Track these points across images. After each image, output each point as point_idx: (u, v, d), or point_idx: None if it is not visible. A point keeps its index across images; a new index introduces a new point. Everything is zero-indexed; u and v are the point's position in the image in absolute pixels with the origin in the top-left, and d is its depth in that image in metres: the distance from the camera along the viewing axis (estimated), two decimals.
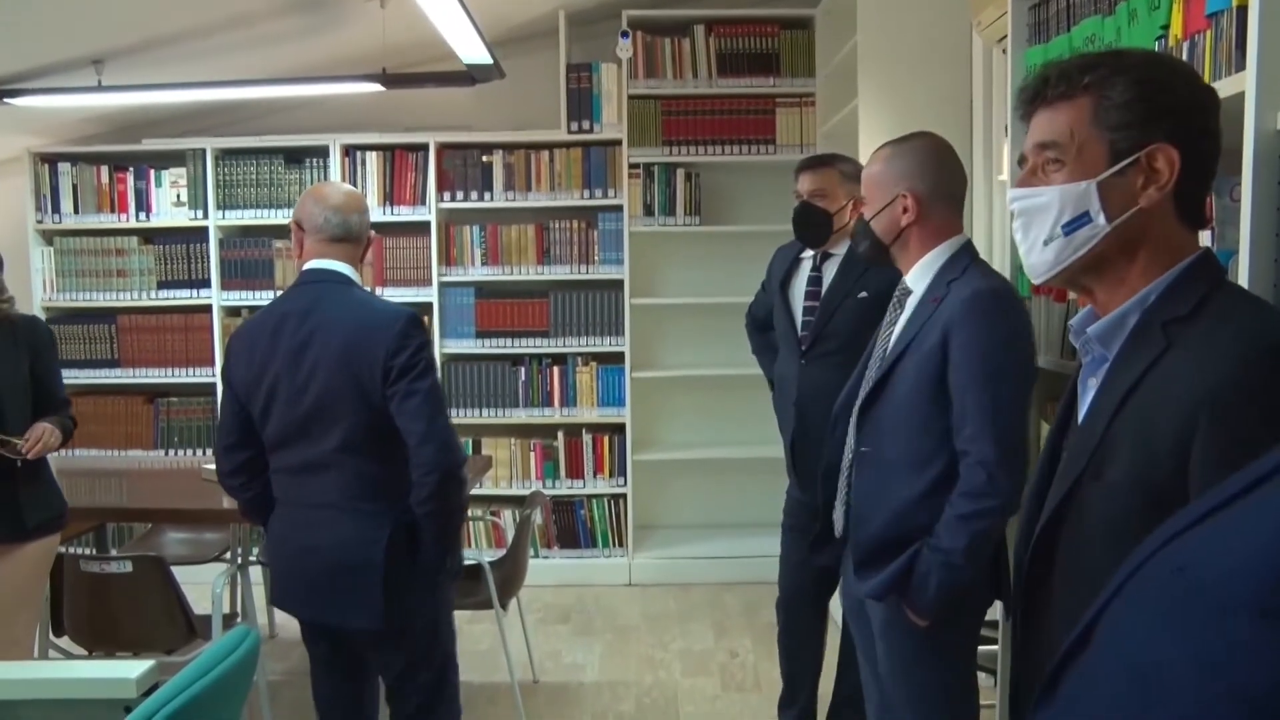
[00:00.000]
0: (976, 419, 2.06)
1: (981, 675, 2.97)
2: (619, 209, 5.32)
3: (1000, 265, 3.52)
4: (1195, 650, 0.57)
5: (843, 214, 3.05)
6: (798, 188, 3.19)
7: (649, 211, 5.37)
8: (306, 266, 2.58)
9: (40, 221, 5.51)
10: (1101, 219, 1.35)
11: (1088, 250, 1.37)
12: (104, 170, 5.50)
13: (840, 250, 3.14)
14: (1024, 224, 1.43)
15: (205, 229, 5.44)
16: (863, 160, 2.66)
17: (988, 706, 2.87)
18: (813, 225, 3.12)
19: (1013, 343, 2.12)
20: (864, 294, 2.99)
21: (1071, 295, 2.18)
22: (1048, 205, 1.39)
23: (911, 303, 2.27)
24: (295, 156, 5.43)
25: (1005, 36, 2.71)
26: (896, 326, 2.29)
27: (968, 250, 2.27)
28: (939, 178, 2.26)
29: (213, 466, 2.89)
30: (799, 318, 3.21)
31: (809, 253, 3.27)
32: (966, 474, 2.07)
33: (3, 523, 3.03)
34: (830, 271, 3.16)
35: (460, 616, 4.76)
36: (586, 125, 5.31)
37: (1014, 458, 2.05)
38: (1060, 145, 1.38)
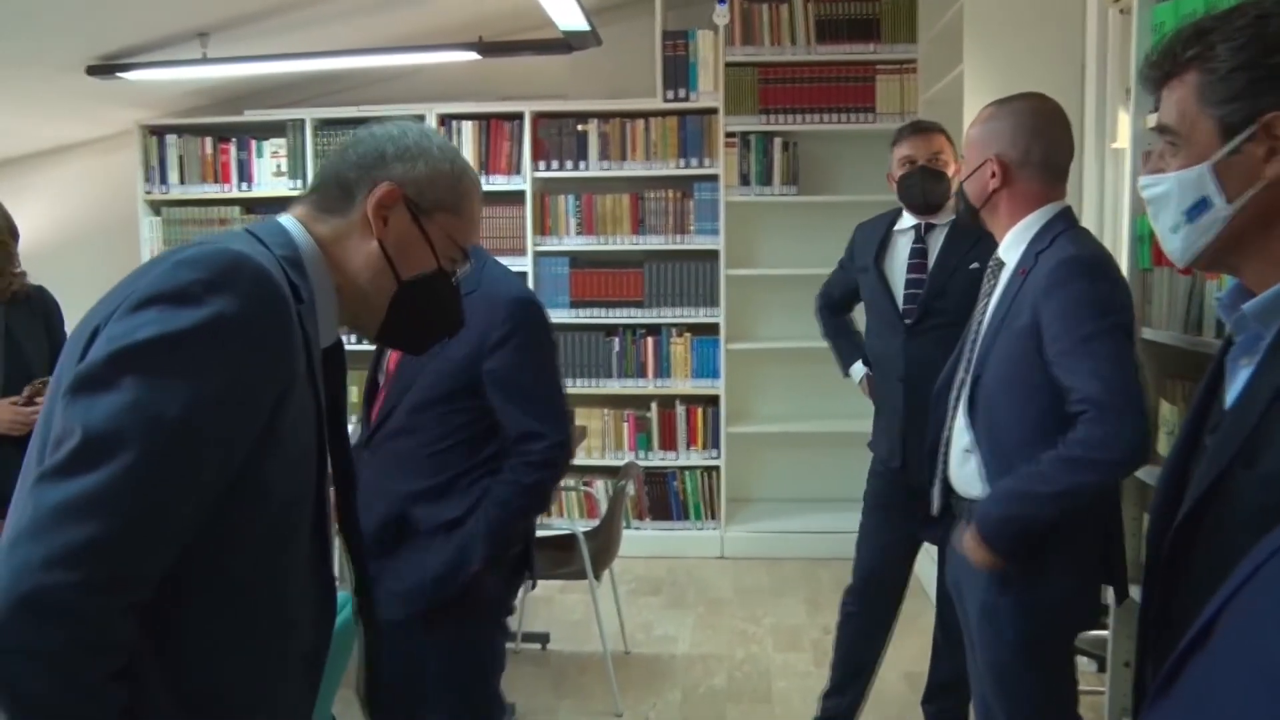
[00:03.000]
0: (1086, 381, 1.95)
1: (1083, 660, 2.88)
2: (715, 178, 5.25)
3: (1113, 238, 3.41)
4: None
5: (953, 181, 2.97)
6: (905, 153, 3.10)
7: (745, 181, 5.30)
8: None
9: (149, 192, 5.65)
10: (1221, 201, 1.27)
11: (1217, 234, 1.29)
12: (208, 141, 5.61)
13: (944, 220, 3.07)
14: (1153, 212, 1.37)
15: None
16: (964, 127, 2.56)
17: (1093, 692, 2.79)
18: (936, 190, 3.05)
19: (1104, 306, 1.99)
20: (975, 265, 2.87)
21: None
22: (1168, 194, 1.32)
23: (1004, 276, 2.19)
24: None
25: None
26: (990, 301, 2.21)
27: (1062, 218, 2.16)
28: (1036, 143, 2.15)
29: None
30: (900, 292, 3.12)
31: (903, 225, 3.17)
32: (1084, 427, 1.95)
33: None
34: (936, 243, 3.08)
35: (552, 586, 4.82)
36: (682, 93, 5.25)
37: (1135, 415, 1.93)
38: (1173, 129, 1.31)
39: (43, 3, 3.78)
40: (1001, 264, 2.21)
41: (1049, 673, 2.17)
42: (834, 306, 3.54)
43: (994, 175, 2.15)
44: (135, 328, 1.08)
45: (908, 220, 3.18)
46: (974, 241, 2.86)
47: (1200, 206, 1.28)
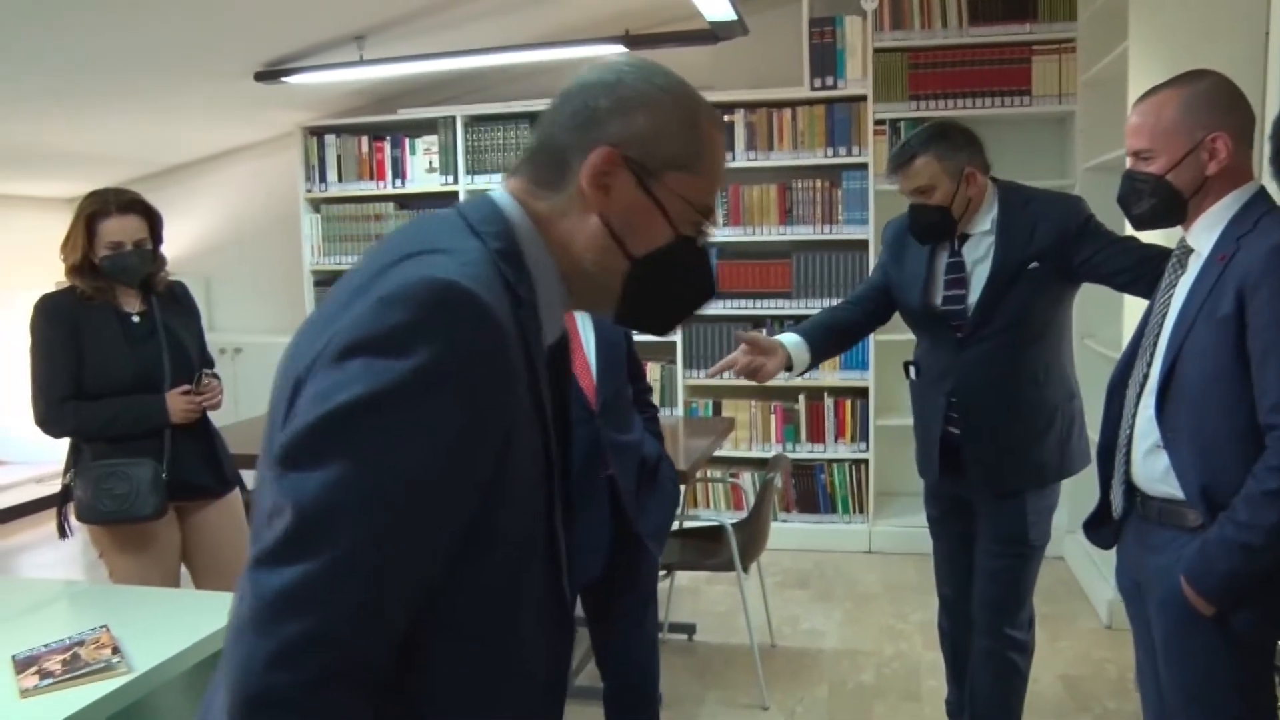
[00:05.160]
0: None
1: None
2: (864, 167, 5.17)
3: None
4: None
5: (961, 197, 2.72)
6: (899, 189, 2.83)
7: None
8: None
9: (309, 190, 5.89)
10: None
11: None
12: (364, 140, 5.81)
13: (979, 228, 2.79)
14: None
15: (456, 194, 5.66)
16: (1128, 109, 2.39)
17: None
18: (929, 228, 2.79)
19: None
20: (1035, 265, 2.70)
21: None
22: None
23: (1195, 262, 2.06)
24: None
25: None
26: (1178, 290, 2.08)
27: (1262, 199, 2.01)
28: (1243, 117, 2.02)
29: None
30: (939, 301, 2.86)
31: None
32: (1275, 446, 1.83)
33: (210, 475, 3.22)
34: (974, 253, 2.81)
35: (699, 578, 4.83)
36: (830, 81, 5.17)
37: None
38: None
39: (214, 17, 3.97)
40: (1188, 250, 2.08)
41: (1249, 691, 2.02)
42: (855, 305, 3.18)
43: (1212, 156, 1.99)
44: (340, 385, 0.95)
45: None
46: (1029, 238, 2.70)
47: None
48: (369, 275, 1.03)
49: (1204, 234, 2.03)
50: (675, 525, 4.00)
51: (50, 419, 2.99)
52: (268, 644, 0.92)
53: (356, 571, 0.94)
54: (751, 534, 3.88)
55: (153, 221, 3.07)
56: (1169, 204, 2.05)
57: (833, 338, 3.11)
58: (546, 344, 1.14)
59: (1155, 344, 2.08)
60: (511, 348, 1.03)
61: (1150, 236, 2.43)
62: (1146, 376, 2.09)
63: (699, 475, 4.70)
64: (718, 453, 4.69)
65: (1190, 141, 2.00)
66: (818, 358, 3.05)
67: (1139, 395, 2.11)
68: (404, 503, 0.96)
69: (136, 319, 3.08)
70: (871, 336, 5.12)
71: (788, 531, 5.34)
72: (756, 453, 5.43)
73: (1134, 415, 2.11)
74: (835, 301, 5.11)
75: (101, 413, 2.98)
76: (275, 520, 0.95)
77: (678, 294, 1.23)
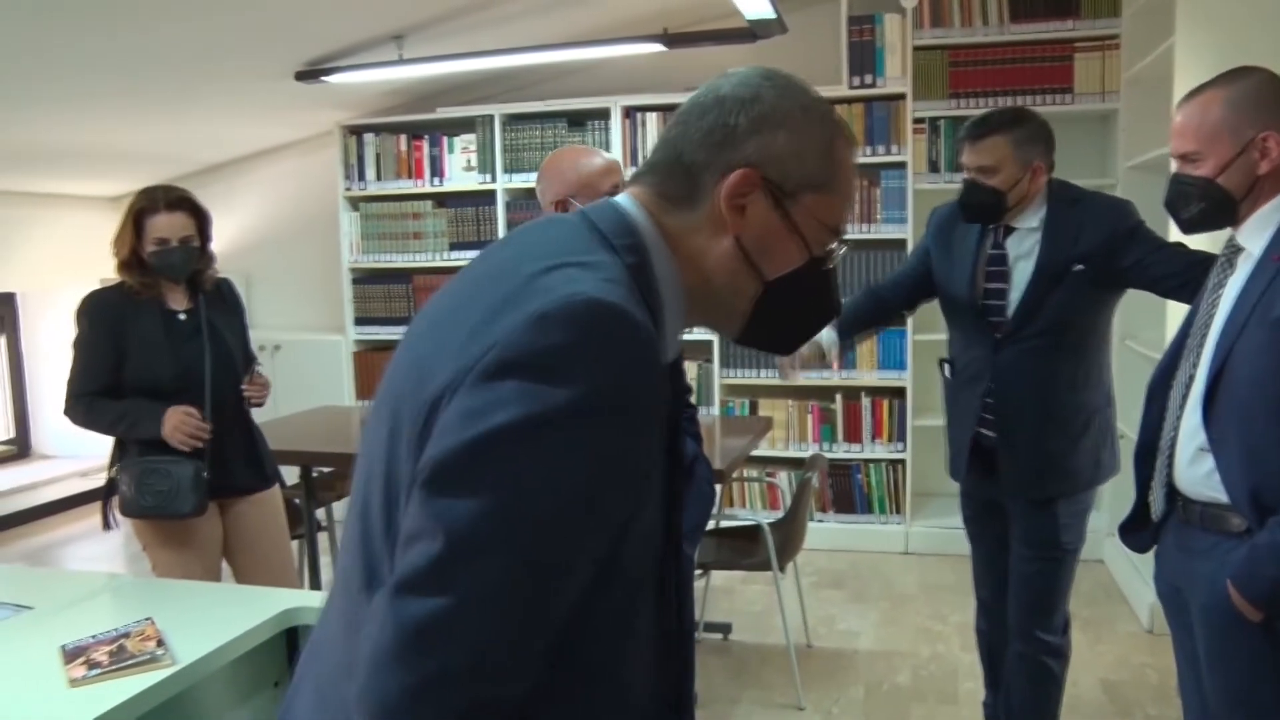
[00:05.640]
0: None
1: None
2: (902, 166, 5.14)
3: None
4: None
5: (1020, 187, 2.69)
6: (961, 160, 2.78)
7: (934, 168, 5.17)
8: None
9: (348, 189, 5.93)
10: None
11: None
12: (402, 139, 5.84)
13: (1026, 224, 2.75)
14: None
15: (493, 192, 5.67)
16: (1173, 106, 2.35)
17: None
18: (979, 208, 2.74)
19: None
20: (1080, 267, 2.66)
21: None
22: None
23: (1246, 263, 2.02)
24: (577, 120, 5.55)
25: None
26: (1227, 290, 2.04)
27: None
28: None
29: None
30: (980, 297, 2.83)
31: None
32: None
33: (251, 473, 3.26)
34: (1019, 248, 2.77)
35: (734, 577, 4.82)
36: (869, 79, 5.14)
37: None
38: None
39: (256, 18, 4.01)
40: (1238, 250, 2.04)
41: None
42: (884, 296, 3.14)
43: (1264, 155, 1.96)
44: (493, 405, 0.90)
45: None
46: (1075, 239, 2.66)
47: None
48: (515, 283, 0.97)
49: (1256, 234, 1.99)
50: (711, 524, 4.01)
51: (68, 410, 3.08)
52: (410, 677, 0.88)
53: (505, 605, 0.90)
54: (788, 533, 3.87)
55: (200, 219, 3.11)
56: (1220, 207, 2.02)
57: (862, 314, 3.10)
58: (666, 360, 1.09)
59: (1202, 345, 2.04)
60: (663, 375, 0.99)
61: (1197, 239, 2.40)
62: (1192, 378, 2.05)
63: (735, 474, 4.69)
64: (754, 452, 4.68)
65: (1239, 142, 1.97)
66: (847, 334, 3.06)
67: (1184, 397, 2.07)
68: (556, 534, 0.91)
69: (182, 316, 3.12)
70: (910, 336, 5.12)
71: (824, 531, 5.32)
72: (793, 452, 5.41)
73: (1178, 417, 2.08)
74: None
75: (109, 413, 3.04)
76: (418, 544, 0.90)
77: (805, 317, 1.19)
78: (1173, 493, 2.11)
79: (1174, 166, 2.10)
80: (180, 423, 3.01)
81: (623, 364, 0.93)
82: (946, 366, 2.99)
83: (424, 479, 0.91)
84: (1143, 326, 4.56)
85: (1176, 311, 2.84)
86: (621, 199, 1.11)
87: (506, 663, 0.91)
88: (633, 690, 1.09)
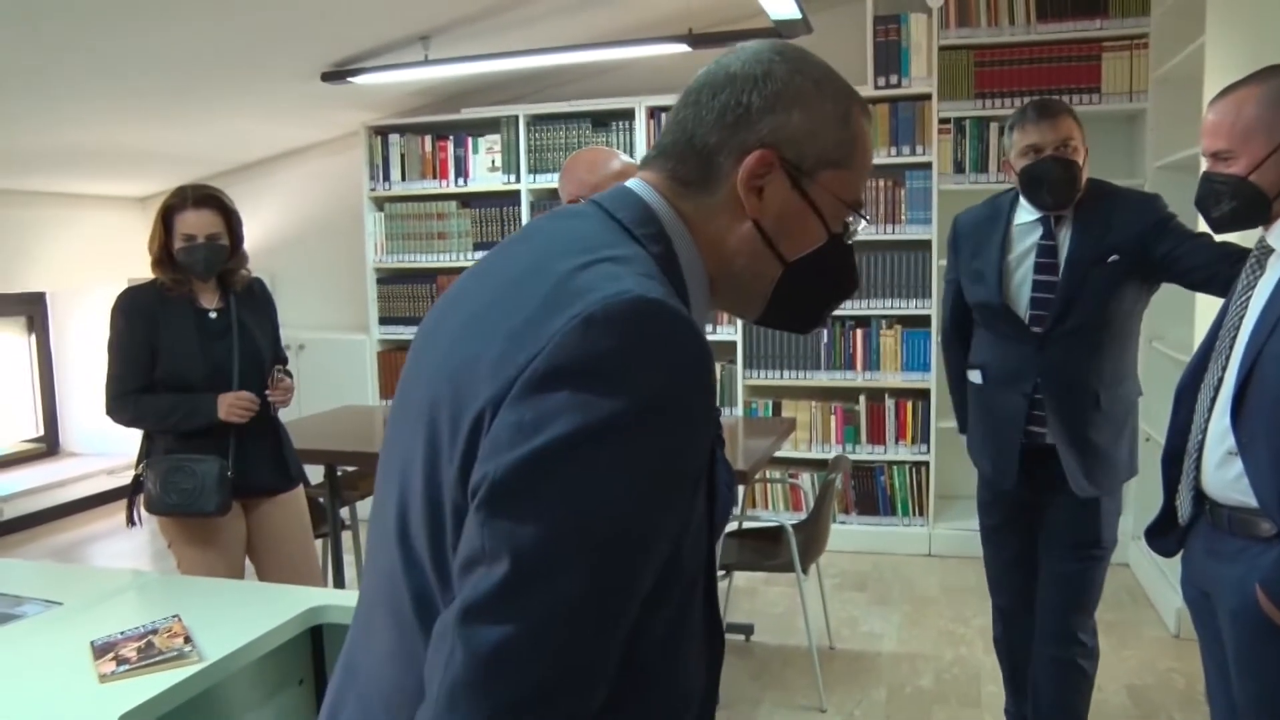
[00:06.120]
0: None
1: None
2: (928, 166, 5.12)
3: None
4: None
5: (1085, 169, 2.68)
6: (1030, 141, 2.67)
7: (960, 169, 5.14)
8: None
9: (373, 189, 5.96)
10: None
11: None
12: (427, 140, 5.86)
13: (1069, 212, 2.73)
14: None
15: (517, 192, 5.69)
16: (1203, 106, 2.32)
17: None
18: (1068, 182, 2.66)
19: None
20: (1115, 257, 2.63)
21: None
22: None
23: (1276, 263, 2.00)
24: (601, 120, 5.56)
25: None
26: (1257, 291, 2.02)
27: None
28: None
29: None
30: (1025, 295, 2.77)
31: (1025, 218, 2.80)
32: None
33: (275, 472, 3.28)
34: (1066, 237, 2.73)
35: (757, 578, 4.81)
36: (894, 79, 5.13)
37: None
38: None
39: (282, 19, 4.03)
40: (1268, 250, 2.02)
41: None
42: (964, 335, 3.04)
43: None
44: (546, 418, 0.86)
45: (1029, 212, 2.79)
46: (1104, 231, 2.64)
47: None
48: (549, 283, 0.94)
49: None
50: (734, 525, 4.00)
51: (113, 409, 3.10)
52: (487, 707, 0.85)
53: (578, 624, 0.87)
54: (811, 535, 3.86)
55: (229, 218, 3.13)
56: (1252, 205, 2.00)
57: (963, 368, 3.09)
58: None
59: (1231, 347, 2.03)
60: (713, 370, 0.95)
61: (1227, 239, 2.38)
62: (1221, 381, 2.03)
63: (758, 476, 4.69)
64: (777, 453, 4.68)
65: (1273, 140, 1.95)
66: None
67: (1212, 400, 2.05)
68: (623, 546, 0.88)
69: (213, 315, 3.15)
70: (933, 337, 5.10)
71: (847, 533, 5.31)
72: (816, 453, 5.40)
73: (1206, 420, 2.06)
74: (899, 301, 5.14)
75: (158, 406, 3.06)
76: (480, 568, 0.87)
77: (826, 294, 1.15)
78: (1200, 496, 2.09)
79: (1204, 165, 2.08)
80: (235, 400, 3.07)
81: (674, 363, 0.90)
82: (978, 373, 2.95)
83: (481, 499, 0.88)
84: (1169, 327, 4.52)
85: (1204, 312, 2.82)
86: (635, 184, 1.08)
87: (584, 681, 0.89)
88: (691, 688, 1.07)
